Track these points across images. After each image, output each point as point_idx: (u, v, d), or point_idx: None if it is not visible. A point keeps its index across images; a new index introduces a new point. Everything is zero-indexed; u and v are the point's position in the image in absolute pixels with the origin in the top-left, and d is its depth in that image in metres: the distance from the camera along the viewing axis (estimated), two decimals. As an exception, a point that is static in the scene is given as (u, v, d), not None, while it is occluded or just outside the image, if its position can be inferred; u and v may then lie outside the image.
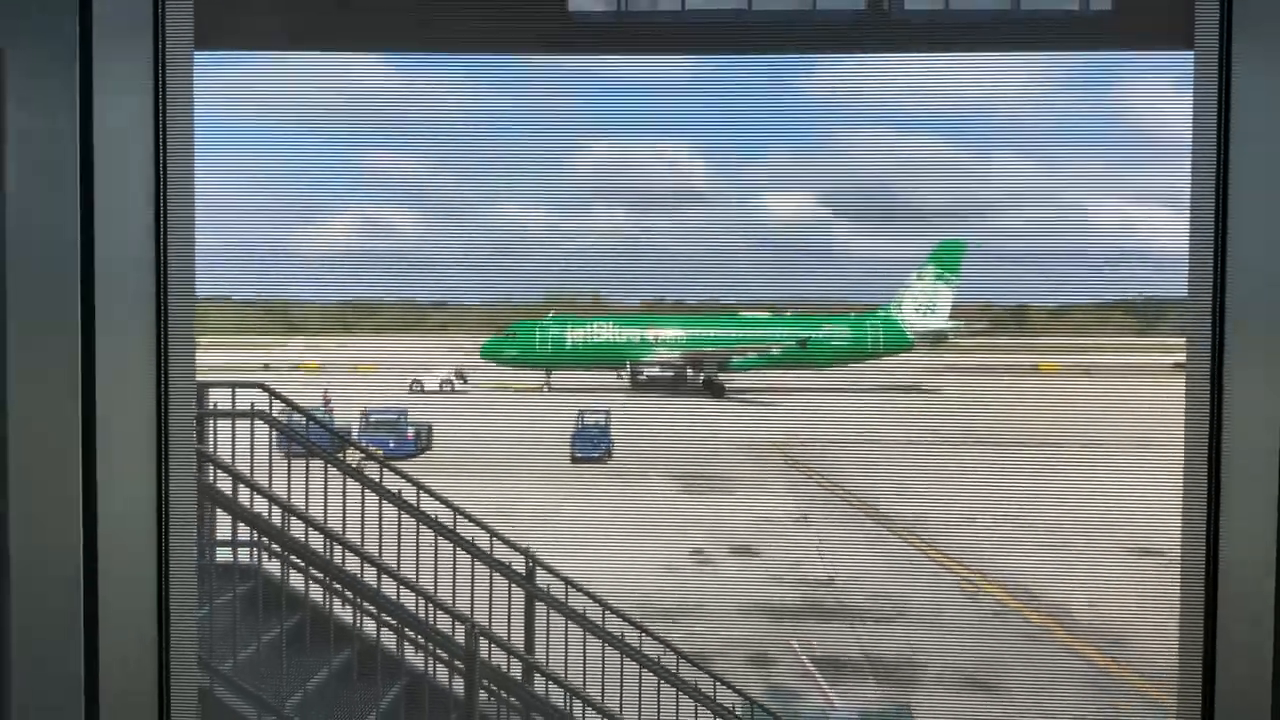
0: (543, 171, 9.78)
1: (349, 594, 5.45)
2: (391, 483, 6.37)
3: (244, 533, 5.35)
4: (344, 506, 5.84)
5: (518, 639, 6.40)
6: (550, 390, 12.95)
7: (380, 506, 6.10)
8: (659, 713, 6.45)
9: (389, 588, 5.62)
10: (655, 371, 12.75)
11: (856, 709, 7.81)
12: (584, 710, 6.03)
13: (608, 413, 11.90)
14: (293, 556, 5.41)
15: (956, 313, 11.46)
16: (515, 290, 12.14)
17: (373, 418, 12.26)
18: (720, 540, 10.31)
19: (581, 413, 12.02)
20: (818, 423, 12.17)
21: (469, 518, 6.41)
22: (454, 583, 6.06)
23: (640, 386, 12.66)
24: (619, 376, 12.75)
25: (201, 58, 1.85)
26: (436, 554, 6.11)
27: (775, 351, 12.29)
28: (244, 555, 5.36)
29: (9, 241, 1.60)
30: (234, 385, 5.92)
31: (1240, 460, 1.73)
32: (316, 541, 5.48)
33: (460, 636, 5.53)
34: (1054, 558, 9.38)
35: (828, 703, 7.82)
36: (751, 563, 10.01)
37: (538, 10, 3.10)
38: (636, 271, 11.18)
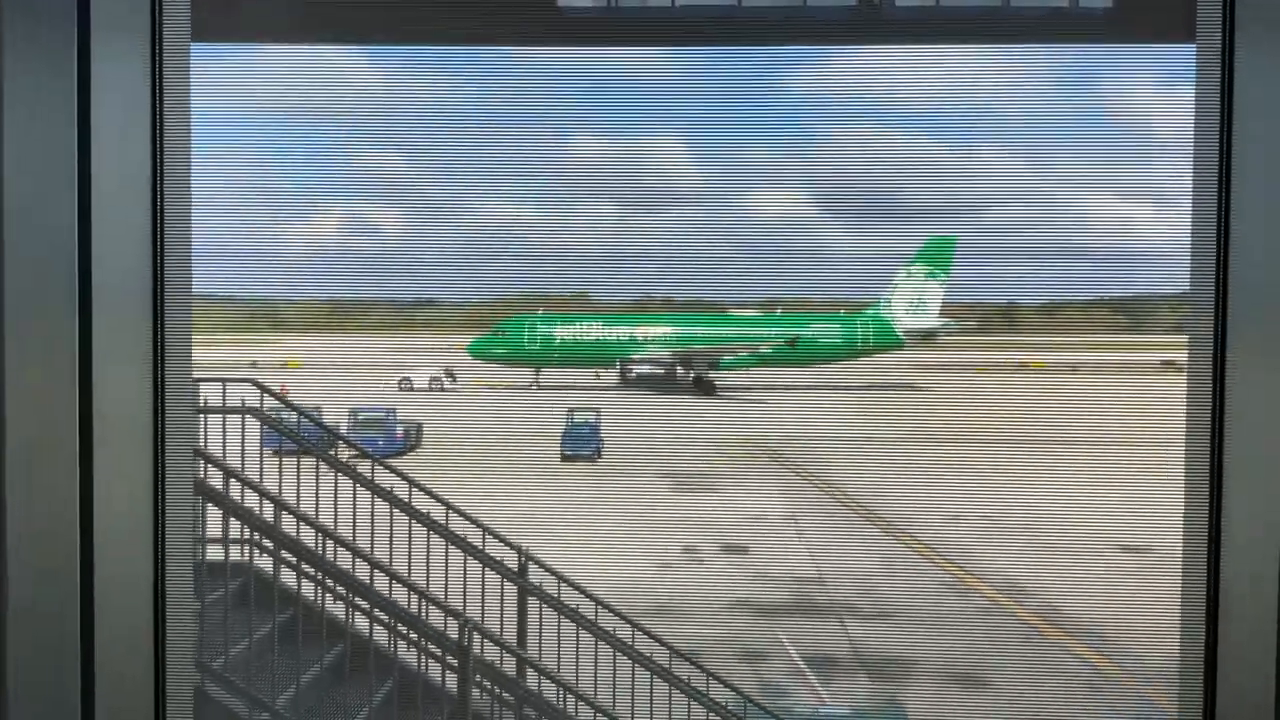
0: (532, 169, 9.76)
1: (341, 590, 5.42)
2: (383, 479, 6.35)
3: (234, 529, 5.32)
4: (335, 502, 5.82)
5: (510, 634, 6.39)
6: (539, 389, 12.93)
7: (372, 502, 6.08)
8: (651, 707, 6.45)
9: (381, 583, 5.60)
10: (645, 370, 12.74)
11: (847, 705, 7.82)
12: (576, 705, 6.02)
13: (597, 411, 11.89)
14: (284, 553, 5.39)
15: (946, 310, 11.48)
16: (503, 288, 12.13)
17: (361, 416, 12.21)
18: (710, 538, 10.32)
19: (571, 411, 12.00)
20: (808, 421, 12.18)
21: (461, 513, 6.39)
22: (446, 579, 6.05)
23: (631, 384, 12.65)
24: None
25: (199, 50, 1.84)
26: (429, 550, 6.10)
27: (765, 350, 12.29)
28: (235, 552, 5.33)
29: (5, 238, 1.59)
30: (224, 381, 5.88)
31: (1242, 457, 1.72)
32: (308, 537, 5.45)
33: (454, 632, 5.52)
34: (1044, 555, 9.41)
35: (816, 698, 7.84)
36: (741, 560, 10.02)
37: (527, 4, 3.11)
38: (625, 270, 11.18)
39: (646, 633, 6.55)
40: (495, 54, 8.68)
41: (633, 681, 6.33)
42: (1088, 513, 9.31)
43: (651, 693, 6.38)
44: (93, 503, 1.64)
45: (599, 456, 11.60)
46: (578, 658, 6.26)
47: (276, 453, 6.30)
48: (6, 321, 1.59)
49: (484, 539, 6.41)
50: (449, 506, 6.32)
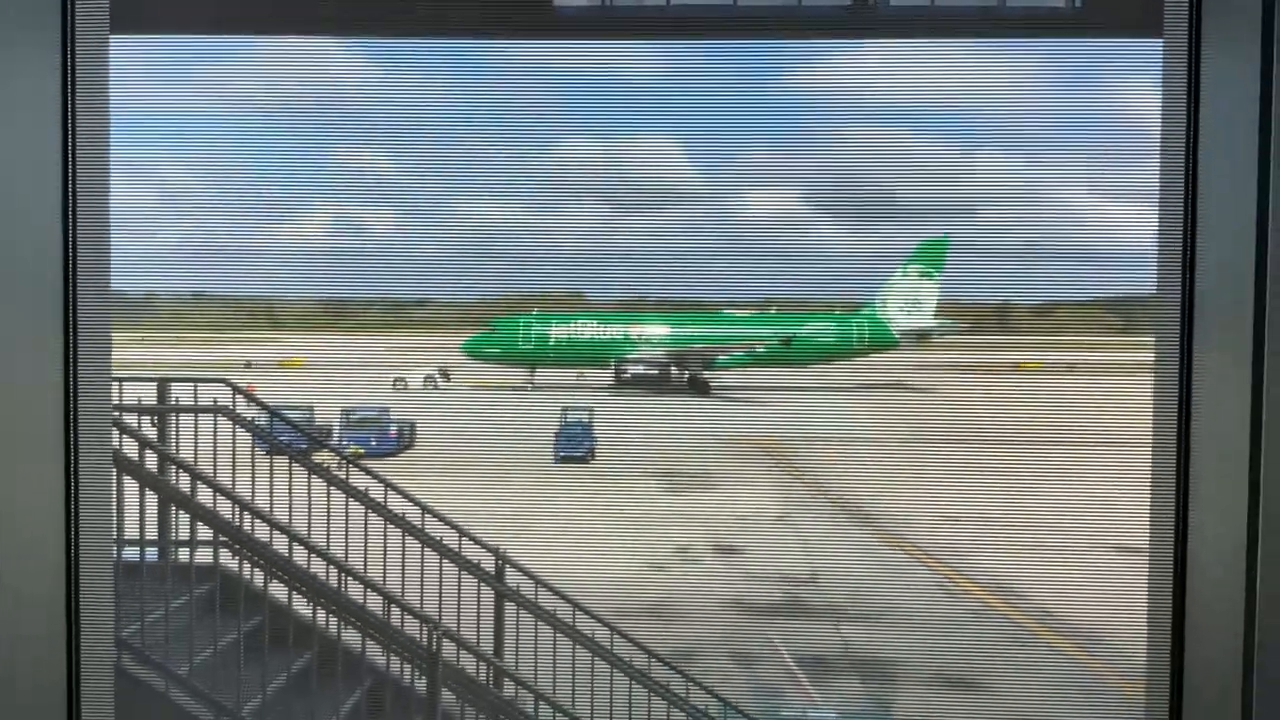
0: (525, 168, 9.69)
1: (309, 592, 5.35)
2: (360, 481, 6.29)
3: (203, 532, 5.26)
4: (309, 504, 5.75)
5: (487, 639, 6.32)
6: (533, 388, 12.90)
7: (346, 504, 6.02)
8: (630, 713, 6.38)
9: (353, 588, 5.53)
10: (640, 370, 12.70)
11: (836, 707, 7.76)
12: (552, 711, 5.95)
13: (591, 410, 11.85)
14: (252, 555, 5.32)
15: (940, 310, 11.42)
16: (496, 288, 12.08)
17: (355, 415, 12.21)
18: (703, 537, 10.26)
19: (565, 410, 11.97)
20: (802, 421, 12.12)
21: (437, 515, 6.32)
22: (422, 582, 5.98)
23: (625, 384, 12.61)
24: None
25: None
26: (404, 553, 6.03)
27: (760, 349, 12.24)
28: (202, 555, 5.27)
29: None
30: (195, 381, 5.83)
31: (1209, 456, 1.68)
32: (280, 542, 5.38)
33: (424, 637, 5.44)
34: (1036, 554, 9.34)
35: (806, 698, 7.77)
36: (734, 559, 9.96)
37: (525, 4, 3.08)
38: (618, 269, 11.11)
39: (624, 636, 6.47)
40: (491, 53, 8.62)
41: (610, 686, 6.26)
42: (1081, 511, 9.25)
43: (630, 698, 6.31)
44: None
45: (592, 457, 11.55)
46: (555, 661, 6.19)
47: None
48: None
49: (460, 541, 6.33)
50: (424, 509, 6.25)
